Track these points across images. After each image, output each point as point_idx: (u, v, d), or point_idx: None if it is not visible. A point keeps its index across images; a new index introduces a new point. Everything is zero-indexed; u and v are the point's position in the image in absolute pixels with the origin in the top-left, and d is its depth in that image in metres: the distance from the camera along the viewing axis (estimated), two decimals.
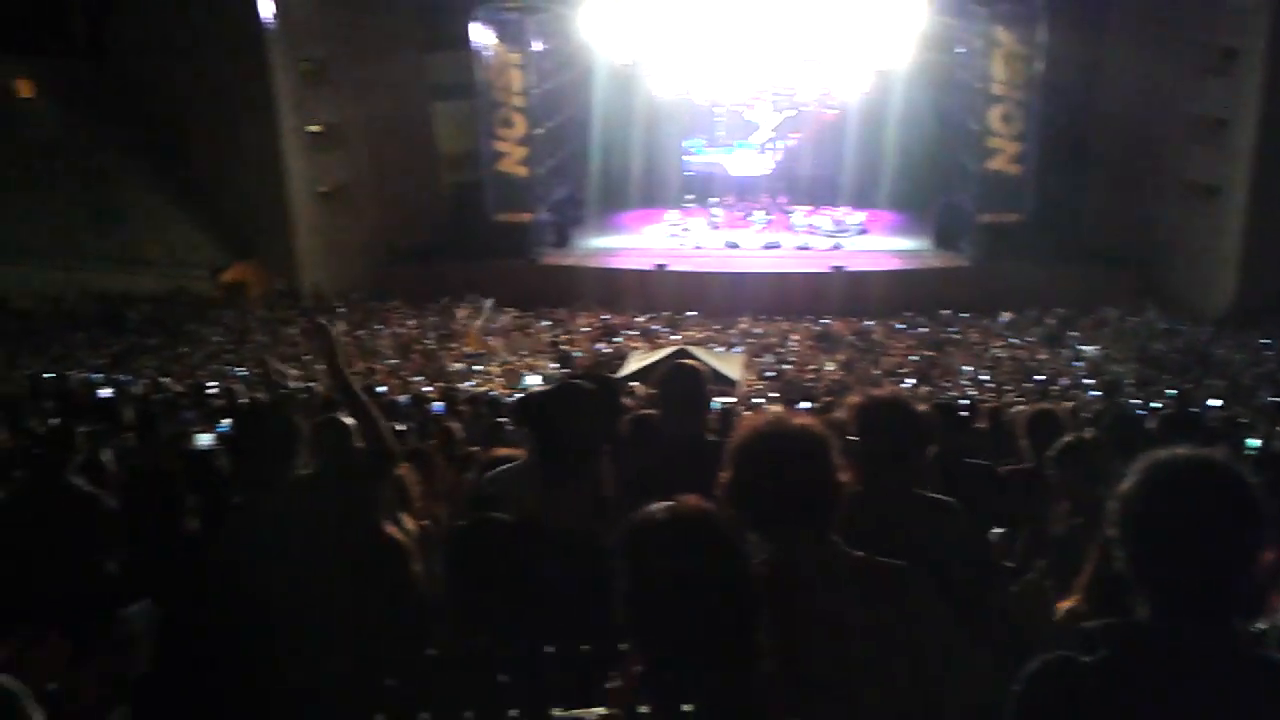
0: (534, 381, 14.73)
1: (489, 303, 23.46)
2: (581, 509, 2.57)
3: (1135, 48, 24.45)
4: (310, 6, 24.11)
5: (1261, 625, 3.56)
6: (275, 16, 23.22)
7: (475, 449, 6.46)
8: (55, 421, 6.35)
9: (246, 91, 23.36)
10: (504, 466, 3.66)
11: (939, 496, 3.35)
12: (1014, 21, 23.56)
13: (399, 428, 7.99)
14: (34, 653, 2.76)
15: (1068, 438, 4.54)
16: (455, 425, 7.52)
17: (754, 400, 14.24)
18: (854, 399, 3.46)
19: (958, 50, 25.14)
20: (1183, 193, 24.12)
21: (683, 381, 3.66)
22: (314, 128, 25.03)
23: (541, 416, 2.77)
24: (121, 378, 15.12)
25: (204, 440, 6.71)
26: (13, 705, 1.57)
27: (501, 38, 24.68)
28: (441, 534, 4.40)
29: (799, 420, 2.44)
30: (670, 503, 1.95)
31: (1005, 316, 22.63)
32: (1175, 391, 13.67)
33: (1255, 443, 7.96)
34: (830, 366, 19.47)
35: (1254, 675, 1.80)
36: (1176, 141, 24.07)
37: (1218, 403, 12.80)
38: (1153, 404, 13.51)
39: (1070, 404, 11.92)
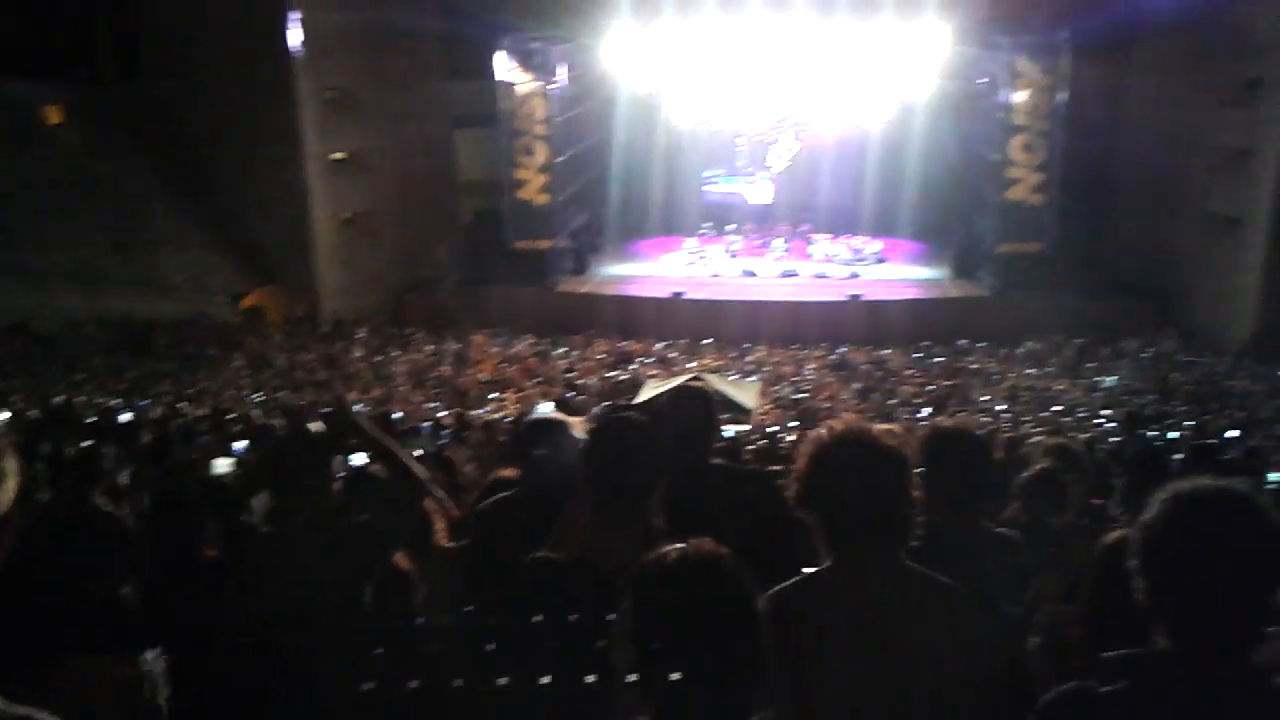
0: (546, 409, 14.63)
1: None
2: (632, 546, 2.52)
3: (1159, 79, 24.45)
4: (335, 35, 24.37)
5: None
6: (301, 45, 23.50)
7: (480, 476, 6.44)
8: (86, 444, 6.40)
9: (271, 119, 23.62)
10: (499, 497, 3.62)
11: (1005, 532, 3.34)
12: (1037, 52, 23.59)
13: (417, 453, 8.01)
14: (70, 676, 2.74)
15: (1036, 467, 4.56)
16: (460, 454, 7.51)
17: (769, 428, 14.23)
18: (922, 431, 3.46)
19: (980, 81, 25.21)
20: (1204, 224, 24.00)
21: (688, 405, 3.58)
22: (337, 155, 25.25)
23: (595, 452, 2.72)
24: (140, 402, 15.22)
25: (221, 466, 6.73)
26: None
27: (525, 67, 24.89)
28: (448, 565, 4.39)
29: (881, 433, 2.44)
30: (681, 545, 1.95)
31: (1024, 347, 22.53)
32: (1193, 423, 13.55)
33: (1276, 476, 7.89)
34: (846, 396, 19.43)
35: (1273, 708, 1.78)
36: (1199, 172, 23.99)
37: (1235, 434, 12.71)
38: (1170, 435, 13.43)
39: (1086, 435, 11.88)
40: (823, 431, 2.48)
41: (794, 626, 2.31)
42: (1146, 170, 25.12)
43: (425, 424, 12.30)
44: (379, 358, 21.50)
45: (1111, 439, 11.48)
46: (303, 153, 24.04)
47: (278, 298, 24.81)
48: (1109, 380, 19.66)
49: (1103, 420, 15.72)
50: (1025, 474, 4.53)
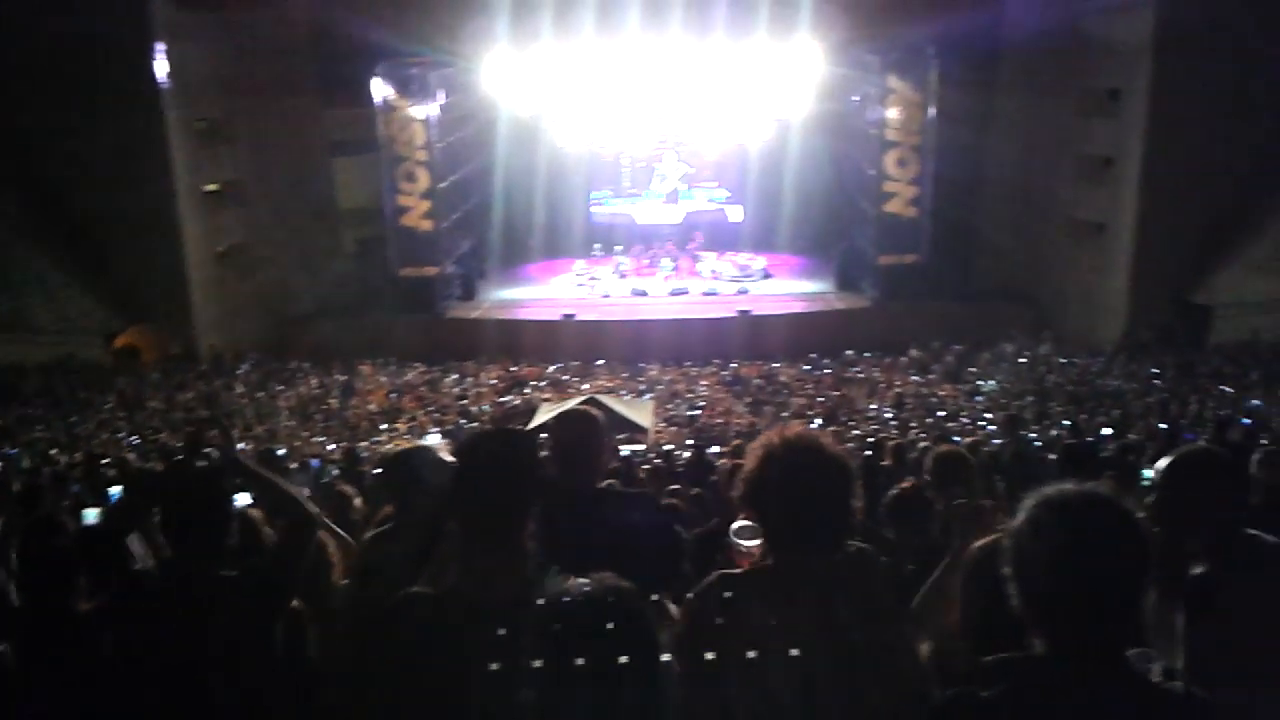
0: (434, 440, 14.22)
1: None
2: (506, 574, 2.47)
3: (1024, 91, 25.34)
4: (205, 65, 23.74)
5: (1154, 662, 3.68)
6: (170, 75, 22.83)
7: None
8: None
9: (140, 151, 22.81)
10: (374, 532, 3.52)
11: (862, 546, 3.39)
12: (906, 69, 24.32)
13: (306, 492, 7.80)
14: None
15: (897, 489, 4.65)
16: (349, 489, 7.34)
17: (665, 447, 14.28)
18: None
19: (853, 99, 25.88)
20: (1072, 230, 25.00)
21: (573, 429, 3.56)
22: (210, 186, 24.58)
23: (460, 481, 2.64)
24: (9, 450, 14.52)
25: (91, 515, 6.44)
26: None
27: (403, 92, 24.59)
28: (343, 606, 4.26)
29: (828, 443, 2.51)
30: (585, 581, 1.94)
31: (907, 355, 23.10)
32: (1070, 423, 14.04)
33: (1149, 473, 8.20)
34: (739, 410, 19.64)
35: (1147, 706, 1.83)
36: (1065, 180, 24.98)
37: (1109, 432, 13.22)
38: (1053, 432, 13.92)
39: (971, 439, 12.20)
40: (774, 436, 2.52)
41: (730, 617, 2.37)
42: (1016, 179, 26.04)
43: (314, 460, 12.00)
44: (261, 393, 20.93)
45: (995, 441, 11.82)
46: (173, 185, 23.28)
47: (152, 336, 23.96)
48: (989, 384, 20.27)
49: (985, 423, 16.20)
50: (889, 494, 4.60)
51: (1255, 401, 15.45)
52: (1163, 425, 12.88)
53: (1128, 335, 22.72)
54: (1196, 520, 2.72)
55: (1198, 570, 2.69)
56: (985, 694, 1.86)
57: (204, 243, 24.30)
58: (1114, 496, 1.88)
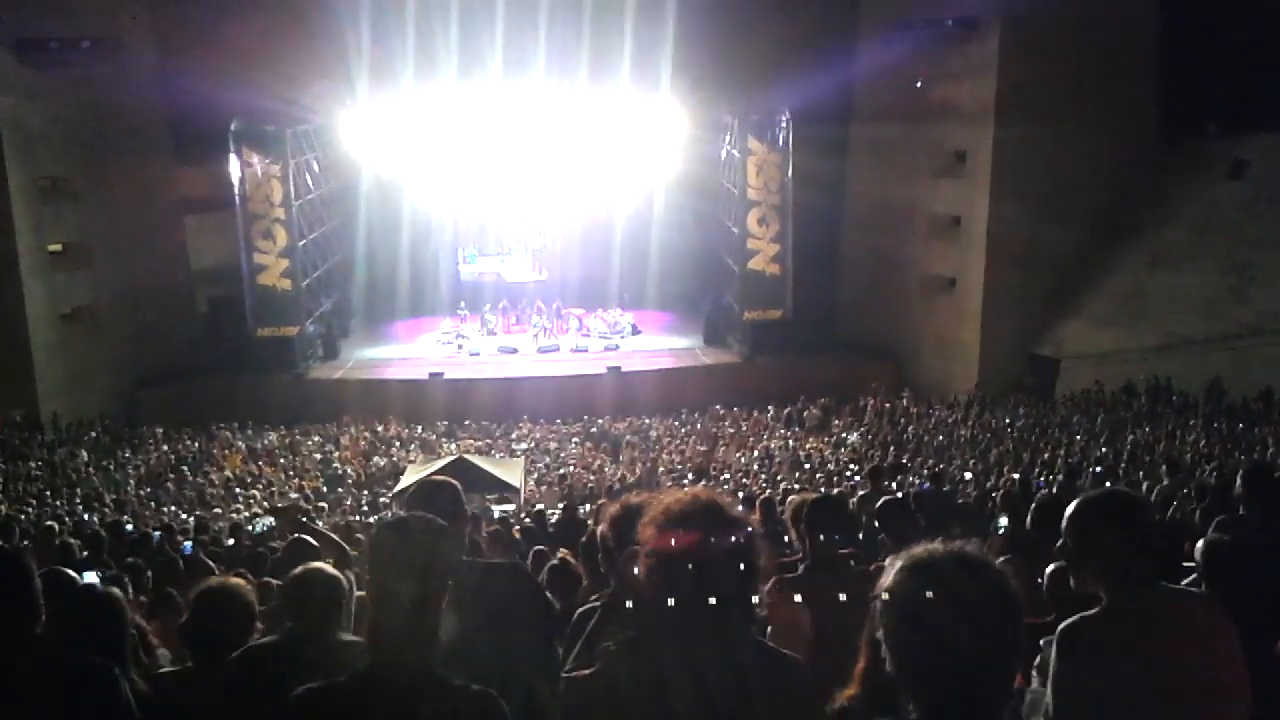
0: (268, 523, 13.11)
1: None
2: (422, 654, 2.31)
3: (876, 152, 26.32)
4: (48, 122, 22.73)
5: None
6: (10, 132, 21.77)
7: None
8: None
9: None
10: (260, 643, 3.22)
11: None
12: (764, 131, 25.01)
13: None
14: None
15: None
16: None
17: (537, 506, 14.10)
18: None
19: (718, 159, 26.46)
20: (925, 285, 25.90)
21: (430, 500, 3.36)
22: (54, 247, 23.43)
23: (387, 563, 2.44)
24: None
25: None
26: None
27: (259, 150, 24.00)
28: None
29: (733, 507, 2.33)
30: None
31: (772, 409, 23.43)
32: (927, 473, 14.38)
33: (1004, 522, 8.38)
34: (611, 468, 19.56)
35: None
36: (917, 238, 25.92)
37: (969, 476, 13.61)
38: (913, 480, 14.21)
39: (836, 490, 12.36)
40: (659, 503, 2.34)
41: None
42: (872, 237, 26.89)
43: (157, 532, 11.34)
44: (108, 461, 19.86)
45: (860, 492, 11.99)
46: (13, 246, 22.10)
47: None
48: (852, 436, 20.68)
49: (849, 474, 16.49)
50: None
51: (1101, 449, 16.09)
52: (1016, 475, 13.27)
53: (981, 385, 23.52)
54: (1098, 564, 2.72)
55: (1074, 618, 2.69)
56: None
57: (47, 305, 23.09)
58: (983, 557, 1.83)
